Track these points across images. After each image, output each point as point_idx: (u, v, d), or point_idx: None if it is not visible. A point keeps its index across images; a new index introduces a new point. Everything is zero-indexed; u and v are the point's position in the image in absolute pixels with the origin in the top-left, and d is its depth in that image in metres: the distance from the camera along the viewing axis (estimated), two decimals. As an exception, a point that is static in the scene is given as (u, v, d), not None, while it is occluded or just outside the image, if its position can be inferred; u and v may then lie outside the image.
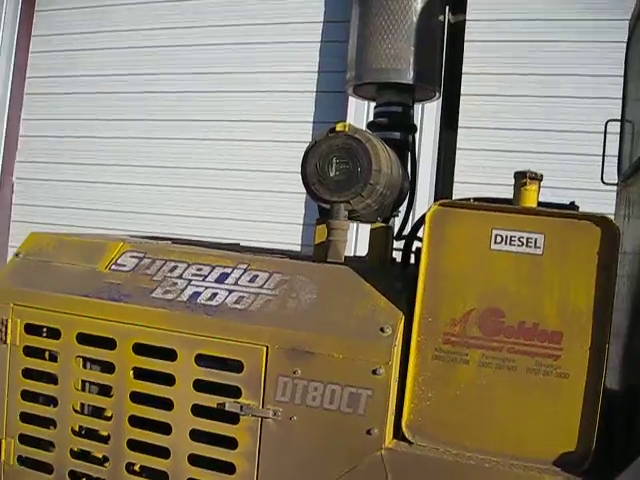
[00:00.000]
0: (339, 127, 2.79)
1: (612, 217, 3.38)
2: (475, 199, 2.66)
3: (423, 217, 2.86)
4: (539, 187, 2.60)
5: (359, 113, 7.49)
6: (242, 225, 8.07)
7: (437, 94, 3.29)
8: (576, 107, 6.78)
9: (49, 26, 9.24)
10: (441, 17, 3.18)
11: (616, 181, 3.76)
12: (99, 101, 8.86)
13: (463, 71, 3.30)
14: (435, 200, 3.10)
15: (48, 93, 9.24)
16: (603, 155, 3.74)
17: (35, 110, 9.34)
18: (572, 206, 2.73)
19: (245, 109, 8.18)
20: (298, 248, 7.88)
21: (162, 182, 8.51)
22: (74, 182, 9.01)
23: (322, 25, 8.05)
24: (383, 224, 2.99)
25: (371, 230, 2.97)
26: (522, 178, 2.57)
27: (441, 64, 3.22)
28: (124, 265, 3.03)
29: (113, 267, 3.04)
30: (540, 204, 2.62)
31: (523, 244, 2.48)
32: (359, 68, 3.19)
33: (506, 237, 2.50)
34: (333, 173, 2.78)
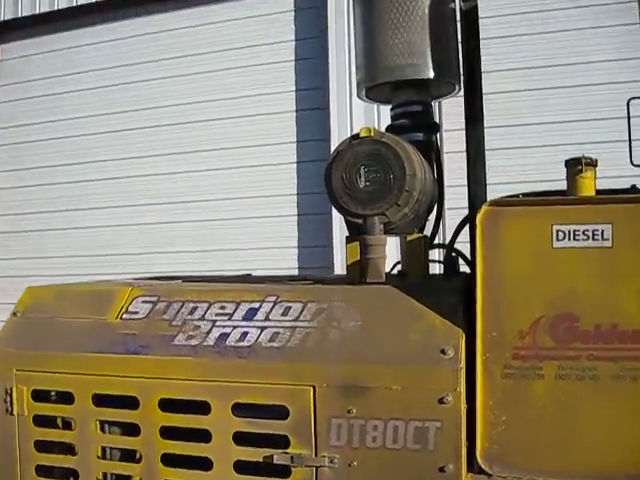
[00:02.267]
0: (363, 132, 2.52)
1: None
2: (525, 194, 2.40)
3: (464, 222, 2.60)
4: (595, 174, 2.34)
5: (342, 128, 7.28)
6: (234, 255, 7.79)
7: (457, 88, 3.02)
8: (600, 94, 6.57)
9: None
10: (452, 5, 2.94)
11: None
12: (66, 146, 8.57)
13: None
14: (471, 203, 2.84)
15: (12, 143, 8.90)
16: (630, 136, 3.49)
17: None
18: (635, 189, 2.47)
19: (224, 136, 7.92)
20: (296, 272, 7.60)
21: (147, 220, 8.20)
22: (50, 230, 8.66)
23: (294, 43, 7.84)
24: (420, 234, 2.71)
25: (408, 242, 2.69)
26: (577, 165, 2.31)
27: (458, 56, 2.96)
28: (137, 312, 2.72)
29: (125, 316, 2.72)
30: (598, 192, 2.36)
31: (589, 238, 2.21)
32: (370, 68, 2.92)
33: (569, 232, 2.22)
34: (363, 184, 2.51)
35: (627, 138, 3.50)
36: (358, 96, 3.13)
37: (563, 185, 2.45)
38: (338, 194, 2.56)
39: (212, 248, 7.96)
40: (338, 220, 7.10)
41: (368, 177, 2.50)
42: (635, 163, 3.44)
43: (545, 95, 6.81)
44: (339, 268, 7.06)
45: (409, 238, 2.68)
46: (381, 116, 7.04)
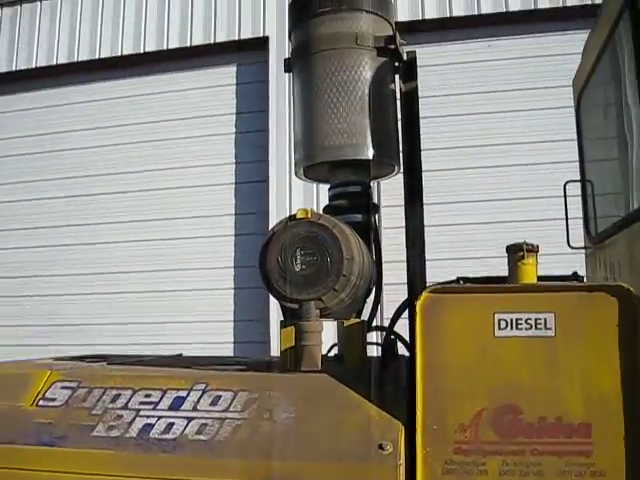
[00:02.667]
0: (300, 214, 2.43)
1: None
2: (465, 280, 2.33)
3: (403, 306, 2.51)
4: (537, 260, 2.30)
5: (281, 202, 7.23)
6: (170, 327, 7.55)
7: (397, 169, 2.98)
8: (531, 174, 6.79)
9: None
10: (392, 86, 2.91)
11: (582, 244, 3.53)
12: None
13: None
14: (410, 286, 2.76)
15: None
16: (566, 218, 3.51)
17: None
18: (576, 276, 2.43)
19: (160, 207, 7.80)
20: (231, 346, 7.40)
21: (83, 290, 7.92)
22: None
23: (234, 117, 7.84)
24: (357, 319, 2.61)
25: (345, 327, 2.58)
26: (518, 252, 2.26)
27: (397, 136, 2.92)
28: (54, 399, 2.51)
29: (41, 402, 2.51)
30: (540, 278, 2.31)
31: (532, 326, 2.14)
32: (309, 148, 2.85)
33: (511, 321, 2.15)
34: (299, 267, 2.41)
35: (564, 217, 3.52)
36: (296, 175, 3.05)
37: (500, 261, 2.40)
38: (273, 277, 2.45)
39: (156, 320, 7.71)
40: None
41: (304, 260, 2.40)
42: (572, 245, 3.45)
43: (478, 173, 6.94)
44: (275, 342, 6.92)
45: (346, 324, 2.58)
46: (320, 192, 7.06)
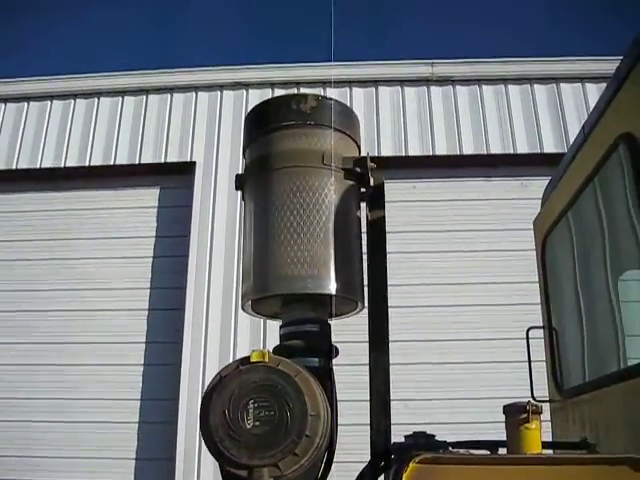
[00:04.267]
0: (255, 356, 2.00)
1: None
2: (455, 445, 1.92)
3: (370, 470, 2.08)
4: (540, 424, 1.92)
5: (196, 333, 6.73)
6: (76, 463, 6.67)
7: (360, 306, 2.58)
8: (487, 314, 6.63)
9: None
10: (357, 213, 2.58)
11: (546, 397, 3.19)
12: None
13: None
14: (374, 450, 2.31)
15: None
16: (530, 367, 3.19)
17: None
18: (587, 444, 2.06)
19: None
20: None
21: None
22: None
23: (154, 240, 7.40)
24: (314, 491, 2.12)
25: (300, 502, 2.08)
26: (521, 413, 1.87)
27: (362, 269, 2.56)
28: None
29: None
30: (546, 445, 1.92)
31: (541, 509, 1.73)
32: (261, 277, 2.43)
33: (519, 502, 1.74)
34: (251, 424, 1.94)
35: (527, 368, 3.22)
36: (242, 308, 2.60)
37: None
38: (217, 435, 1.96)
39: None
40: (183, 431, 6.37)
41: (258, 415, 1.94)
42: (537, 398, 3.11)
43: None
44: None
45: (301, 496, 2.08)
46: (239, 319, 6.63)
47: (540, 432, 1.91)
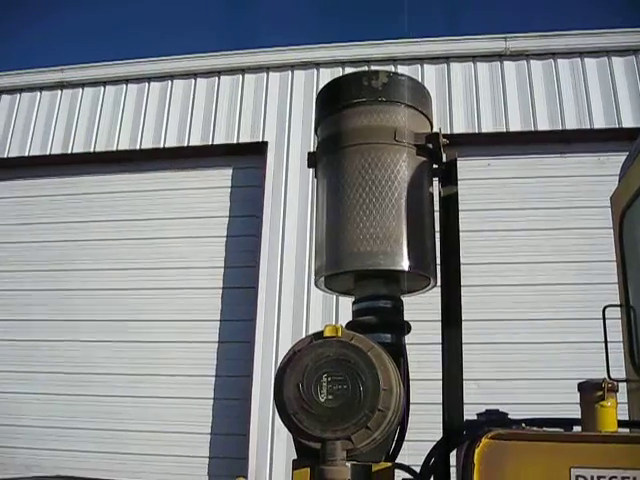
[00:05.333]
0: (328, 331, 2.02)
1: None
2: (529, 422, 1.91)
3: (440, 445, 2.08)
4: (617, 401, 1.89)
5: (270, 310, 6.83)
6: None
7: (432, 282, 2.59)
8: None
9: None
10: (430, 189, 2.57)
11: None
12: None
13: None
14: (447, 424, 2.32)
15: None
16: (605, 345, 3.12)
17: None
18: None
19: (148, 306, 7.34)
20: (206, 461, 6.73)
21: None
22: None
23: (227, 220, 7.53)
24: (388, 464, 2.14)
25: (373, 473, 2.11)
26: (596, 391, 1.85)
27: (434, 246, 2.56)
28: None
29: None
30: (621, 424, 1.89)
31: (617, 487, 1.71)
32: (334, 254, 2.45)
33: (592, 478, 1.72)
34: (324, 397, 1.97)
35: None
36: (316, 284, 2.64)
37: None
38: (291, 408, 2.00)
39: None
40: (257, 407, 6.52)
41: (332, 389, 1.97)
42: (612, 377, 3.05)
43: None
44: (254, 461, 6.38)
45: (375, 468, 2.11)
46: (311, 296, 6.69)
47: (616, 410, 1.89)
